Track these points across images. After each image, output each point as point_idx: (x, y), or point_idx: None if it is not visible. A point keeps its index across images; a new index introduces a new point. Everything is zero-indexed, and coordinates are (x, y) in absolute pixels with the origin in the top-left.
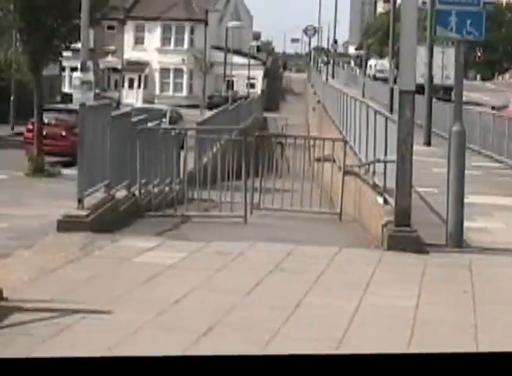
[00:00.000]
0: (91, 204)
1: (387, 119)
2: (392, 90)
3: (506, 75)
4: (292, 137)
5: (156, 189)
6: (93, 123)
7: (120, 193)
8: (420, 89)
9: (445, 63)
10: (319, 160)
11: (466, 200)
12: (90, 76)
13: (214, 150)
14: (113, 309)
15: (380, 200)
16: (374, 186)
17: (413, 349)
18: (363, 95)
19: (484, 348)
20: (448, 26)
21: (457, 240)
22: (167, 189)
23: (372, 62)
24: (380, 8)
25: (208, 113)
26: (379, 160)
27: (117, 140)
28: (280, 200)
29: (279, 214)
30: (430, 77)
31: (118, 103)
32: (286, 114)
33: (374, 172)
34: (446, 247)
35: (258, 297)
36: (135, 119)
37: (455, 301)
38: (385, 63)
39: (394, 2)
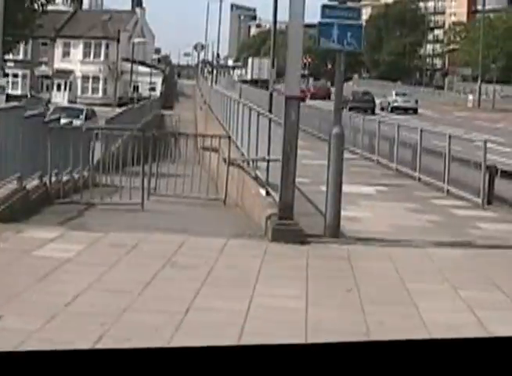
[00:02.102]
0: (3, 195)
1: (270, 120)
2: (271, 94)
3: (350, 82)
4: (185, 135)
5: (66, 178)
6: (5, 123)
7: (33, 184)
8: (255, 82)
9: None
10: (206, 148)
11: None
12: (2, 81)
13: (120, 142)
14: (5, 313)
15: (263, 192)
16: (256, 178)
17: None
18: (240, 97)
19: None
20: (331, 37)
21: (335, 231)
22: (77, 176)
23: (238, 70)
24: (253, 31)
25: (118, 110)
26: (264, 159)
27: (29, 137)
28: (174, 184)
29: (172, 199)
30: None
31: (48, 102)
32: (179, 111)
33: (257, 166)
34: (325, 237)
35: (149, 298)
36: (47, 118)
37: (342, 302)
38: (243, 72)
39: (275, 26)
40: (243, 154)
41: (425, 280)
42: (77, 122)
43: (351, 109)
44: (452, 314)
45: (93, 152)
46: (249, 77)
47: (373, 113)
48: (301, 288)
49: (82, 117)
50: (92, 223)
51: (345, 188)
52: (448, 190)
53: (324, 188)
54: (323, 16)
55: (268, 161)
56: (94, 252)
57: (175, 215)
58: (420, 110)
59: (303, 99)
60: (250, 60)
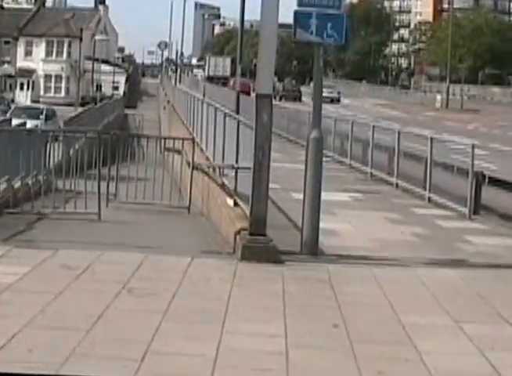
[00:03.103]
0: None
1: (239, 122)
2: (238, 94)
3: None
4: (146, 136)
5: (18, 185)
6: None
7: None
8: (211, 78)
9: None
10: (169, 149)
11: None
12: None
13: (82, 143)
14: None
15: (231, 202)
16: (222, 186)
17: None
18: (204, 96)
19: None
20: (309, 29)
21: (313, 248)
22: (30, 183)
23: (201, 70)
24: (217, 30)
25: (80, 110)
26: (233, 167)
27: None
28: (135, 189)
29: (133, 206)
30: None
31: (12, 102)
32: (142, 111)
33: (223, 173)
34: (301, 254)
35: (99, 338)
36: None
37: (329, 343)
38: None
39: (242, 21)
40: (207, 158)
41: (421, 310)
42: (36, 123)
43: (281, 97)
44: (460, 358)
45: (49, 155)
46: (206, 74)
47: (300, 101)
48: (279, 323)
49: (42, 117)
50: (42, 238)
51: None
52: (429, 198)
53: (296, 195)
54: (300, 3)
55: (237, 169)
56: (39, 276)
57: (135, 226)
58: (388, 111)
59: None
60: (207, 58)
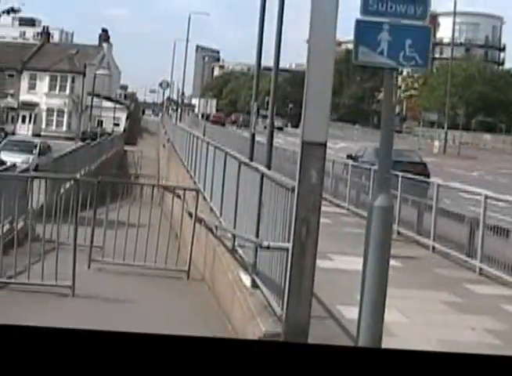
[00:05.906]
0: None
1: (263, 177)
2: (253, 136)
3: None
4: (141, 185)
5: None
6: None
7: None
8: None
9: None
10: (168, 190)
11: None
12: None
13: (66, 187)
14: None
15: (247, 280)
16: (234, 251)
17: None
18: (204, 135)
19: None
20: (378, 47)
21: None
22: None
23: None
24: (216, 72)
25: (78, 144)
26: (260, 246)
27: None
28: (124, 244)
29: (120, 268)
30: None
31: (11, 134)
32: (142, 148)
33: (238, 243)
34: None
35: None
36: None
37: None
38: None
39: (260, 59)
40: (212, 210)
41: None
42: (28, 157)
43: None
44: None
45: (27, 202)
46: (197, 112)
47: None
48: None
49: (35, 151)
50: None
51: (343, 262)
52: (480, 269)
53: (321, 263)
54: (365, 10)
55: (266, 248)
56: None
57: (116, 307)
58: None
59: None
60: (197, 100)
